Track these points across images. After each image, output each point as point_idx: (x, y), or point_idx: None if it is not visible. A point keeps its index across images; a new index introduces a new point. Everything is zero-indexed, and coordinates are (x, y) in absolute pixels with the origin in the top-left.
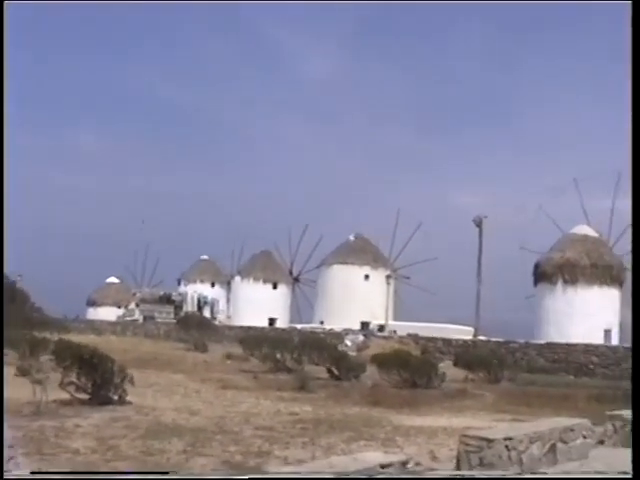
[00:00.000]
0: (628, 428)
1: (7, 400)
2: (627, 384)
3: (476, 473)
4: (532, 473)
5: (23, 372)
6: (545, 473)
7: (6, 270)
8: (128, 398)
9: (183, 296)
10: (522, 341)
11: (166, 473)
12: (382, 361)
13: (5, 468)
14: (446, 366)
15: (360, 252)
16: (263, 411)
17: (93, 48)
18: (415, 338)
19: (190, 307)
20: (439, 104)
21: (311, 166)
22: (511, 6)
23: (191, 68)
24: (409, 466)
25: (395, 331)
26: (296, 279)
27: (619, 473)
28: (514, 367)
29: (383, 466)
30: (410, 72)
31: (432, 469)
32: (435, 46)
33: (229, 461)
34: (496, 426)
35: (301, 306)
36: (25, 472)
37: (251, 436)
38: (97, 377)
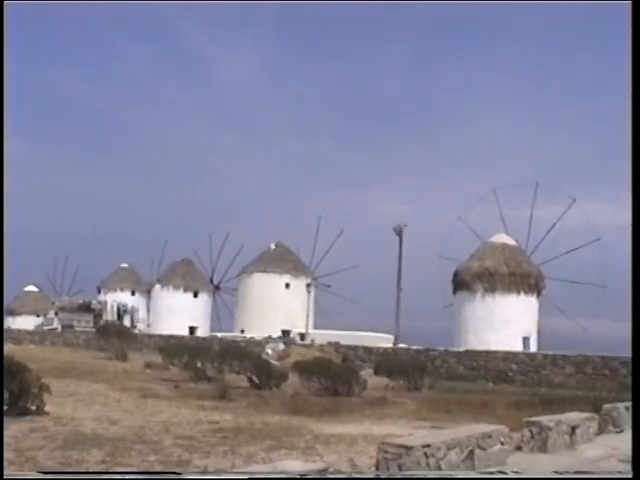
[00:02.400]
0: (545, 434)
1: None
2: (545, 390)
3: (473, 473)
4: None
5: None
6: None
7: None
8: (46, 408)
9: (103, 304)
10: (442, 349)
11: (171, 473)
12: (303, 369)
13: None
14: (367, 374)
15: (281, 261)
16: (183, 420)
17: (11, 50)
18: (336, 346)
19: (110, 316)
20: (360, 113)
21: (232, 174)
22: (431, 20)
23: (111, 72)
24: (328, 474)
25: (313, 339)
26: (217, 287)
27: (619, 473)
28: (434, 375)
29: (302, 475)
30: (331, 82)
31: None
32: (356, 57)
33: (148, 470)
34: (415, 433)
35: (222, 315)
36: (25, 472)
37: (171, 445)
38: (14, 387)
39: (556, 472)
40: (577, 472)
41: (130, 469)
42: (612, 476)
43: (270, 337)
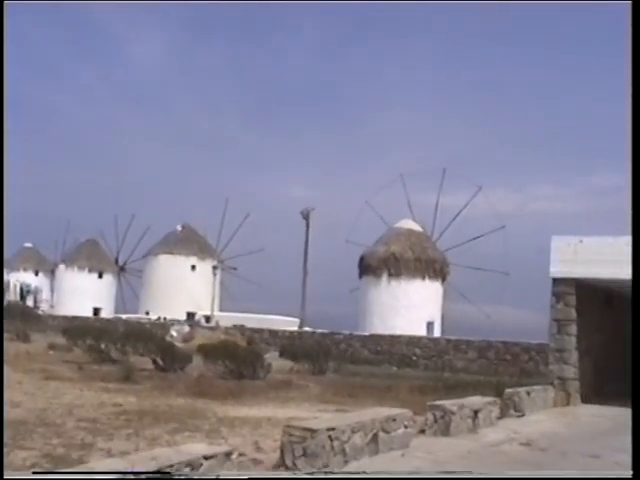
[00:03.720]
0: (447, 418)
1: None
2: (448, 375)
3: (475, 473)
4: (527, 473)
5: None
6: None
7: None
8: None
9: (5, 285)
10: (347, 333)
11: (167, 473)
12: (208, 352)
13: None
14: (272, 357)
15: (187, 242)
16: (87, 402)
17: None
18: (241, 329)
19: (12, 296)
20: (269, 97)
21: (138, 154)
22: (345, 7)
23: (21, 53)
24: (233, 457)
25: (218, 322)
26: (122, 268)
27: (619, 473)
28: (339, 358)
29: (206, 457)
30: (240, 65)
31: (256, 460)
32: (266, 40)
33: (51, 454)
34: (320, 417)
35: (127, 296)
36: (25, 472)
37: (74, 428)
38: None
39: (556, 472)
40: (577, 472)
41: (32, 453)
42: (612, 476)
43: (175, 319)
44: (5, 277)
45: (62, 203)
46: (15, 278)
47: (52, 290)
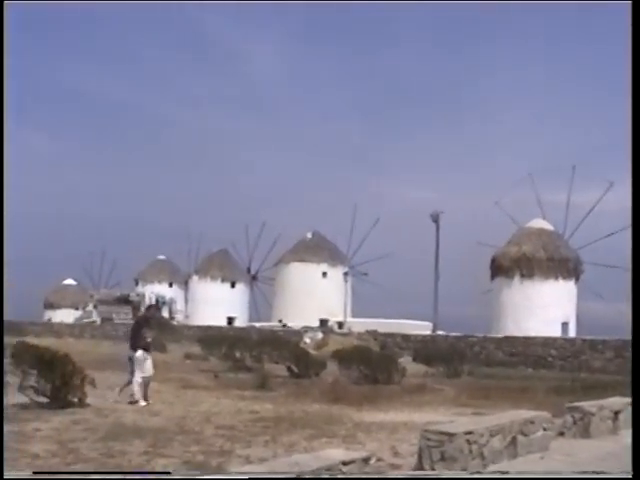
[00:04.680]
0: (587, 419)
1: None
2: (585, 375)
3: (474, 474)
4: (531, 473)
5: None
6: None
7: None
8: (88, 400)
9: (141, 296)
10: (480, 335)
11: (165, 473)
12: (343, 357)
13: None
14: (405, 361)
15: (317, 249)
16: (224, 410)
17: (39, 47)
18: (374, 334)
19: None
20: (389, 100)
21: (266, 164)
22: (460, 7)
23: (139, 67)
24: (371, 462)
25: (350, 327)
26: (254, 277)
27: (619, 473)
28: (473, 361)
29: (345, 463)
30: (358, 68)
31: (394, 465)
32: (384, 43)
33: (191, 461)
34: (457, 420)
35: (259, 304)
36: (25, 472)
37: (212, 435)
38: (56, 380)
39: (556, 472)
40: (577, 472)
41: (172, 460)
42: (612, 476)
43: (308, 326)
44: (140, 289)
45: (193, 215)
46: (150, 290)
47: (186, 301)
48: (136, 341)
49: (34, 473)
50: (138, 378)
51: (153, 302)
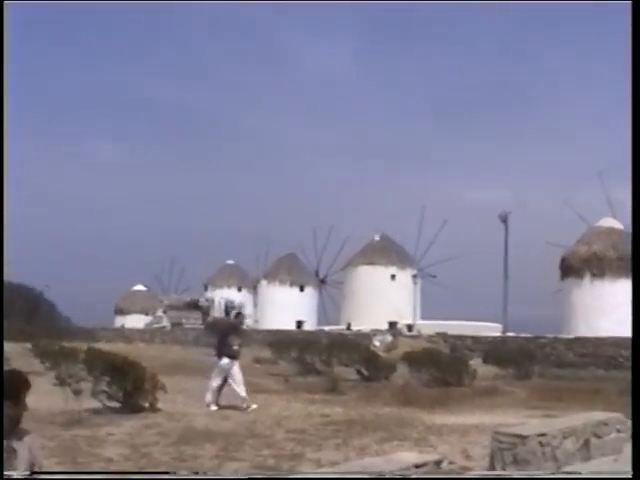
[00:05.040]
0: None
1: (41, 410)
2: None
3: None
4: (530, 474)
5: (61, 382)
6: (552, 472)
7: (27, 281)
8: (159, 405)
9: (210, 301)
10: (551, 336)
11: (165, 473)
12: (413, 360)
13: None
14: (476, 363)
15: (386, 252)
16: (294, 414)
17: (107, 55)
18: (443, 336)
19: (218, 312)
20: (455, 101)
21: (333, 167)
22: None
23: (204, 72)
24: (443, 465)
25: (419, 330)
26: (322, 281)
27: (619, 473)
28: (543, 362)
29: (418, 466)
30: (424, 69)
31: (466, 467)
32: (450, 42)
33: (262, 465)
34: (528, 422)
35: (328, 308)
36: (25, 472)
37: (283, 439)
38: (128, 385)
39: (556, 472)
40: (576, 472)
41: (243, 464)
42: (612, 476)
43: (377, 329)
44: (209, 294)
45: (261, 220)
46: (219, 295)
47: (255, 305)
48: (222, 349)
49: (33, 473)
50: (214, 383)
51: (222, 307)
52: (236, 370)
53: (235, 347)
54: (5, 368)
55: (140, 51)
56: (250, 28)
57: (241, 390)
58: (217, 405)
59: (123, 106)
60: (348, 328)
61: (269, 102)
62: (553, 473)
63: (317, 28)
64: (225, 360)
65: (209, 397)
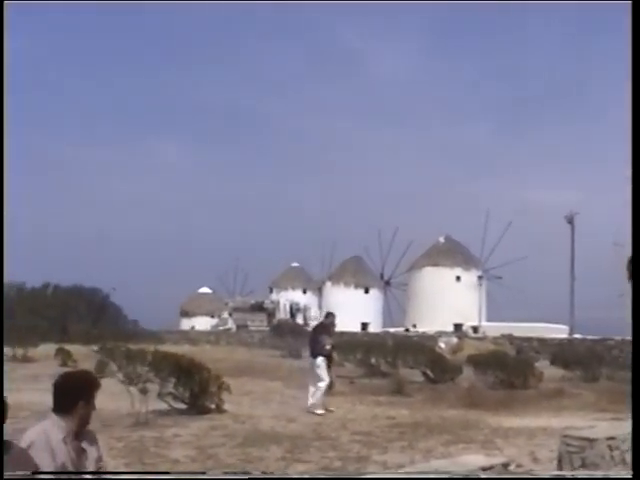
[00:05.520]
0: None
1: (108, 411)
2: None
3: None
4: (532, 474)
5: (128, 383)
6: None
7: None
8: (225, 407)
9: (275, 304)
10: (619, 338)
11: (165, 473)
12: (478, 362)
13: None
14: (542, 366)
15: (450, 253)
16: (360, 416)
17: (170, 58)
18: (509, 338)
19: (283, 314)
20: (518, 101)
21: (397, 169)
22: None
23: (269, 75)
24: (510, 468)
25: (485, 332)
26: (387, 283)
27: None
28: (611, 365)
29: (484, 469)
30: (486, 69)
31: (533, 470)
32: (512, 42)
33: (328, 467)
34: (597, 425)
35: (393, 310)
36: (25, 472)
37: (349, 441)
38: (194, 386)
39: (556, 473)
40: (576, 472)
41: (310, 466)
42: (612, 476)
43: (443, 331)
44: (274, 296)
45: (326, 222)
46: (284, 297)
47: (320, 307)
48: (316, 348)
49: (33, 473)
50: (322, 385)
51: (287, 309)
52: (324, 370)
53: (327, 346)
54: (74, 369)
55: (204, 54)
56: (312, 29)
57: (320, 392)
58: (325, 408)
59: (186, 108)
60: (407, 330)
61: (332, 103)
62: (553, 473)
63: (380, 28)
64: (319, 359)
65: (311, 401)
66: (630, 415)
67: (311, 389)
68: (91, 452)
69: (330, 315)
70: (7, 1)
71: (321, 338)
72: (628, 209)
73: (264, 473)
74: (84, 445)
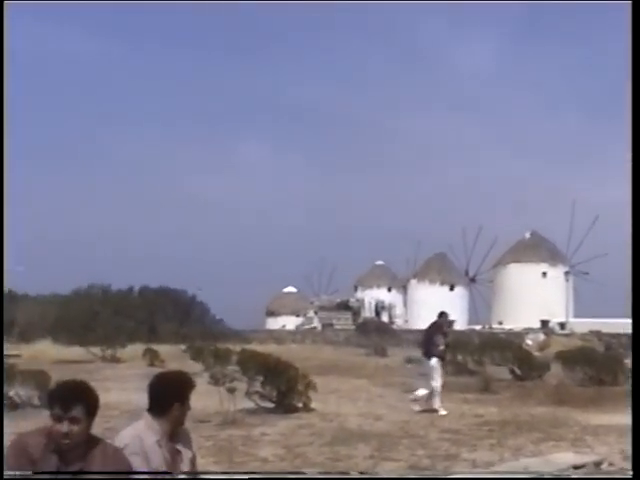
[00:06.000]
0: None
1: (196, 410)
2: None
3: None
4: (532, 474)
5: (215, 382)
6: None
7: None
8: (312, 405)
9: (360, 302)
10: None
11: (167, 473)
12: (566, 359)
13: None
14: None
15: (536, 249)
16: (448, 414)
17: (249, 58)
18: (598, 334)
19: (368, 313)
20: (605, 90)
21: (479, 165)
22: None
23: (350, 73)
24: (603, 467)
25: (572, 328)
26: (472, 280)
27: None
28: None
29: (576, 467)
30: (568, 64)
31: (624, 469)
32: (604, 28)
33: (417, 465)
34: None
35: (478, 307)
36: (25, 472)
37: (437, 439)
38: (281, 385)
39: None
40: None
41: (398, 464)
42: (612, 476)
43: (530, 328)
44: (359, 295)
45: (410, 220)
46: (369, 295)
47: (405, 305)
48: (429, 349)
49: (34, 473)
50: (438, 386)
51: (373, 307)
52: (438, 371)
53: (441, 347)
54: (165, 370)
55: (283, 53)
56: (392, 24)
57: (438, 394)
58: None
59: (266, 107)
60: (490, 327)
61: (414, 101)
62: (554, 473)
63: (461, 27)
64: (434, 360)
65: (437, 402)
66: None
67: (420, 390)
68: (186, 453)
69: (443, 314)
70: (7, 1)
71: (435, 338)
72: None
73: (361, 473)
74: (179, 447)
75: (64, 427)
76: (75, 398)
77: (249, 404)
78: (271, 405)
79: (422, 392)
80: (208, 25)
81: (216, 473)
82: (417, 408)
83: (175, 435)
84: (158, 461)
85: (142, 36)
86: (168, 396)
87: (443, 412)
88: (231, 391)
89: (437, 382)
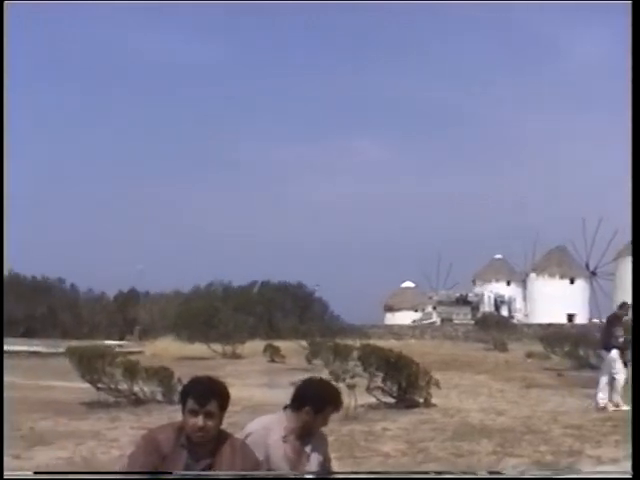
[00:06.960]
0: None
1: None
2: None
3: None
4: (532, 474)
5: (335, 378)
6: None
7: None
8: (433, 400)
9: (479, 297)
10: None
11: (167, 473)
12: None
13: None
14: None
15: None
16: (570, 409)
17: (363, 56)
18: None
19: (487, 307)
20: None
21: (600, 159)
22: None
23: (461, 68)
24: None
25: None
26: (593, 273)
27: (619, 473)
28: None
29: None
30: None
31: None
32: None
33: (540, 461)
34: None
35: (600, 300)
36: (26, 472)
37: (560, 435)
38: (402, 380)
39: (556, 472)
40: (576, 472)
41: (522, 460)
42: (612, 476)
43: None
44: (478, 289)
45: (528, 214)
46: (489, 290)
47: (524, 299)
48: (609, 340)
49: (35, 473)
50: (619, 378)
51: (492, 302)
52: (620, 364)
53: (621, 339)
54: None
55: (397, 51)
56: (504, 20)
57: (619, 386)
58: (612, 403)
59: (380, 105)
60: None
61: (528, 94)
62: (553, 473)
63: (573, 22)
64: (614, 352)
65: (601, 396)
66: None
67: (602, 383)
68: (315, 456)
69: (624, 305)
70: (7, 1)
71: (615, 330)
72: None
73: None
74: (307, 448)
75: (200, 421)
76: (210, 393)
77: (370, 399)
78: (392, 400)
79: (603, 393)
80: (325, 23)
81: (339, 473)
82: (604, 404)
83: (307, 437)
84: (279, 456)
85: (253, 38)
86: (303, 398)
87: (625, 407)
88: (351, 387)
89: (620, 374)
